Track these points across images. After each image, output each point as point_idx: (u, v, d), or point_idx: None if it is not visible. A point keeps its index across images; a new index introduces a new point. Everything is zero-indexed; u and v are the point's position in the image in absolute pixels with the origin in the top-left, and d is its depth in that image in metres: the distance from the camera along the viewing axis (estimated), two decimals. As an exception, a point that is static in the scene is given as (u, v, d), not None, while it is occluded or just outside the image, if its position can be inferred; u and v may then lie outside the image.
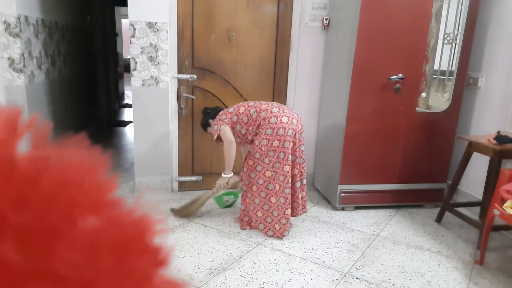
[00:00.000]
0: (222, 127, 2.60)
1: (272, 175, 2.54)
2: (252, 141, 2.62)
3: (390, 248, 2.57)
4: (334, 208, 3.15)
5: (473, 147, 2.68)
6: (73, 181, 0.26)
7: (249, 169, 2.61)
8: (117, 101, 7.63)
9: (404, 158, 3.11)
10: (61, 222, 0.25)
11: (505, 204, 2.18)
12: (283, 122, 2.51)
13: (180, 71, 3.21)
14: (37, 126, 0.27)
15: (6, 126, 0.26)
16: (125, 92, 9.29)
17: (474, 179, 3.10)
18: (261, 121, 2.55)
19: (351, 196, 3.12)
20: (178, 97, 3.24)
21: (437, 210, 3.03)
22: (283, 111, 2.58)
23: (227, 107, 3.36)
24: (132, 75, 3.10)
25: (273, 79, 3.41)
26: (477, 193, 3.03)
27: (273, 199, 2.58)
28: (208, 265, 2.28)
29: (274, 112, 2.56)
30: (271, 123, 2.51)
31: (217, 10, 3.17)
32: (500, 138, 2.51)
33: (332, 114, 3.23)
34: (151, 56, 3.08)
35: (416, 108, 3.04)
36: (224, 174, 2.68)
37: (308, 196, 3.42)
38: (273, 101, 3.44)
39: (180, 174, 3.41)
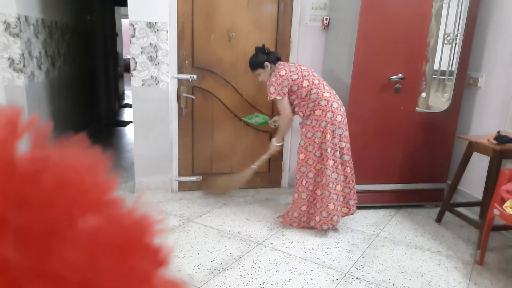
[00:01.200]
0: (281, 99, 2.61)
1: (321, 167, 2.60)
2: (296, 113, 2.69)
3: (390, 248, 2.57)
4: (334, 208, 3.15)
5: (473, 147, 2.68)
6: (73, 181, 0.26)
7: (300, 163, 2.66)
8: (117, 101, 7.62)
9: (404, 158, 3.11)
10: (61, 222, 0.25)
11: (505, 204, 2.18)
12: (337, 120, 2.55)
13: (180, 71, 3.21)
14: (37, 126, 0.27)
15: (6, 126, 0.26)
16: (125, 92, 9.28)
17: (474, 179, 3.10)
18: (314, 104, 2.58)
19: (351, 196, 3.12)
20: (178, 97, 3.24)
21: (437, 210, 3.03)
22: (334, 97, 2.61)
23: (227, 107, 3.35)
24: (132, 75, 3.10)
25: (273, 79, 3.41)
26: (477, 193, 3.03)
27: (318, 192, 2.65)
28: (208, 265, 2.28)
29: (326, 96, 2.57)
30: (327, 117, 2.54)
31: (217, 10, 3.17)
32: (500, 138, 2.51)
33: (332, 114, 3.23)
34: (151, 56, 3.08)
35: (416, 108, 3.04)
36: (277, 142, 2.78)
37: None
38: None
39: (180, 174, 3.41)
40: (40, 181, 0.25)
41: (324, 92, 2.57)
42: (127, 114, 7.15)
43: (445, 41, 3.18)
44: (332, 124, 2.55)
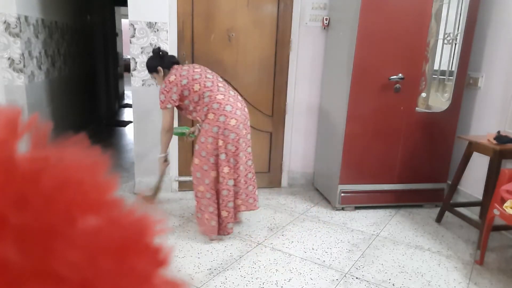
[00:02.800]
0: (164, 109, 2.46)
1: (215, 174, 2.44)
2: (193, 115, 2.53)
3: (390, 248, 2.57)
4: (334, 208, 3.15)
5: (473, 147, 2.68)
6: (73, 181, 0.26)
7: (196, 168, 2.48)
8: (117, 101, 7.62)
9: (404, 158, 3.11)
10: (61, 222, 0.25)
11: (505, 204, 2.18)
12: (230, 125, 2.37)
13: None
14: (37, 126, 0.27)
15: (6, 126, 0.26)
16: (125, 92, 9.28)
17: (474, 179, 3.10)
18: (208, 107, 2.41)
19: (351, 196, 3.12)
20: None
21: (437, 210, 3.03)
22: (228, 99, 2.41)
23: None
24: (132, 75, 3.10)
25: (273, 79, 3.41)
26: (477, 193, 3.03)
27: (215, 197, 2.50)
28: (208, 265, 2.28)
29: (219, 99, 2.39)
30: (220, 121, 2.36)
31: (217, 10, 3.17)
32: (500, 138, 2.51)
33: (332, 114, 3.23)
34: (151, 56, 3.08)
35: (416, 108, 3.04)
36: (159, 154, 2.66)
37: (308, 196, 3.43)
38: (273, 100, 3.45)
39: (180, 174, 3.41)
40: (40, 181, 0.25)
41: (217, 95, 2.39)
42: (127, 114, 7.15)
43: (445, 41, 3.18)
44: (225, 128, 2.35)
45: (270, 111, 3.42)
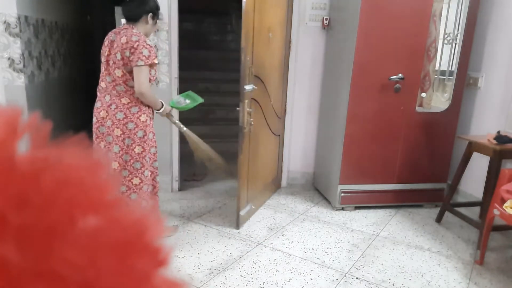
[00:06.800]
0: (146, 66, 2.08)
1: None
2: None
3: (390, 248, 2.57)
4: (334, 208, 3.15)
5: (473, 147, 2.68)
6: (73, 181, 0.26)
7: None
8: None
9: (404, 158, 3.11)
10: (61, 222, 0.25)
11: (505, 204, 2.18)
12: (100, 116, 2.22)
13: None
14: (37, 126, 0.27)
15: (6, 126, 0.26)
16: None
17: (474, 179, 3.10)
18: None
19: (351, 196, 3.12)
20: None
21: (437, 210, 3.03)
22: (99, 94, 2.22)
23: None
24: (132, 75, 3.10)
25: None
26: (477, 193, 3.03)
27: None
28: (208, 265, 2.28)
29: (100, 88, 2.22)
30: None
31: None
32: (500, 138, 2.51)
33: (332, 114, 3.23)
34: (151, 56, 3.08)
35: (416, 108, 3.04)
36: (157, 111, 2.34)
37: (308, 196, 3.43)
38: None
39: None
40: (40, 181, 0.25)
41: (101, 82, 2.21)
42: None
43: (445, 41, 3.18)
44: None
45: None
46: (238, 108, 2.57)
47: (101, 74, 2.21)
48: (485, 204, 2.58)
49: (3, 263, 0.22)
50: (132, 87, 2.14)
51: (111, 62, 2.15)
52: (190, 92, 2.56)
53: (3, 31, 2.86)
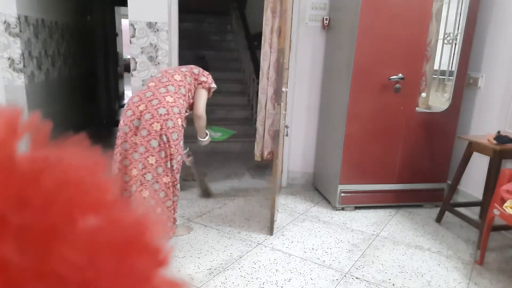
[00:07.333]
0: (210, 88, 2.62)
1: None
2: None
3: (390, 248, 2.57)
4: (334, 208, 3.15)
5: (473, 147, 2.68)
6: (73, 181, 0.26)
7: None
8: (117, 101, 7.62)
9: (404, 158, 3.11)
10: (61, 222, 0.25)
11: (505, 204, 2.18)
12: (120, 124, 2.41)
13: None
14: (37, 126, 0.27)
15: (6, 126, 0.26)
16: (125, 92, 9.27)
17: (474, 179, 3.10)
18: None
19: (351, 196, 3.12)
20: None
21: (437, 210, 3.03)
22: (134, 105, 2.33)
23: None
24: (132, 75, 3.10)
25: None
26: (477, 193, 3.03)
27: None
28: (208, 265, 2.28)
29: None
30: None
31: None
32: (500, 138, 2.51)
33: (332, 114, 3.23)
34: (151, 56, 3.08)
35: (416, 108, 3.04)
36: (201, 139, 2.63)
37: (308, 196, 3.43)
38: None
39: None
40: (40, 181, 0.25)
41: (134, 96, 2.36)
42: (127, 114, 7.13)
43: (445, 41, 3.18)
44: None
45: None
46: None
47: None
48: (485, 204, 2.58)
49: (3, 263, 0.22)
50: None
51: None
52: (213, 127, 2.87)
53: (3, 31, 2.86)
